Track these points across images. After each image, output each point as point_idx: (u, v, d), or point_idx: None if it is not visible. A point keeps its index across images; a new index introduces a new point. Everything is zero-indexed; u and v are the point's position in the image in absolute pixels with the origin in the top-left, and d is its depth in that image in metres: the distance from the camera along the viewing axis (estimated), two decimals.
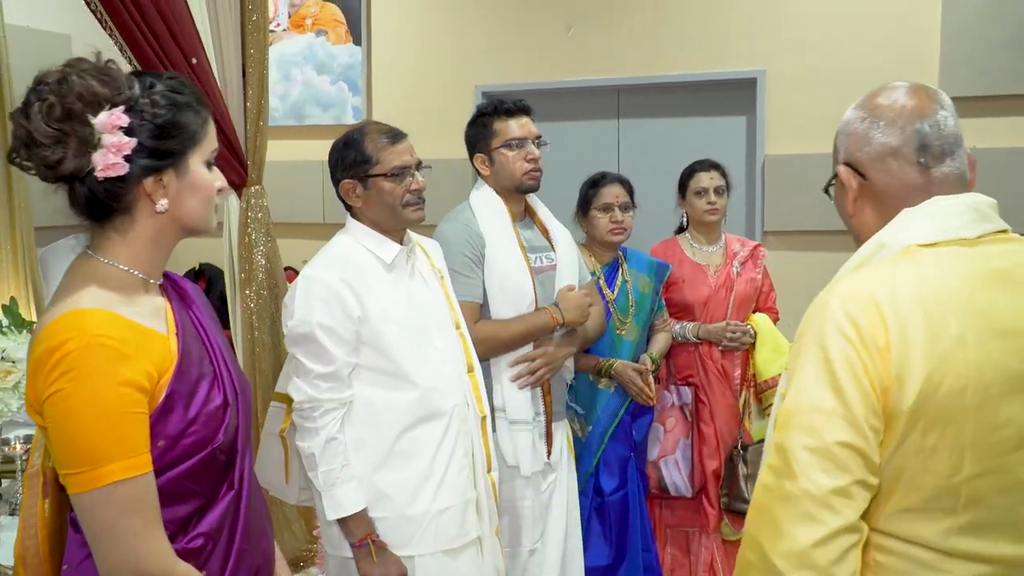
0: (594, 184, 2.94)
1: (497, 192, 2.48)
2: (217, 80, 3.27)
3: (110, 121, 1.20)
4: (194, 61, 3.12)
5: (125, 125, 1.21)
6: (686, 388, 3.19)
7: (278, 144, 5.41)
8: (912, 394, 1.14)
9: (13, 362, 2.65)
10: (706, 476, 3.17)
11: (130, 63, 2.99)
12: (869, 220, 1.40)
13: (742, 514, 3.14)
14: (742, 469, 3.16)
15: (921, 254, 1.24)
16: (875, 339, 1.16)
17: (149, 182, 1.27)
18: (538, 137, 2.51)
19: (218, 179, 1.37)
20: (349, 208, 2.14)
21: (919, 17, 4.71)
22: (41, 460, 1.39)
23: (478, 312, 2.36)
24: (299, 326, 1.96)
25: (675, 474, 3.15)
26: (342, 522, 1.96)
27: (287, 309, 2.01)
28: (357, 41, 6.06)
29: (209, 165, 1.34)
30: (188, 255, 6.62)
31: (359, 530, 1.95)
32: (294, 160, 5.90)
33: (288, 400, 2.18)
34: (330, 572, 2.08)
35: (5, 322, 2.84)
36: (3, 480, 3.22)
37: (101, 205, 1.28)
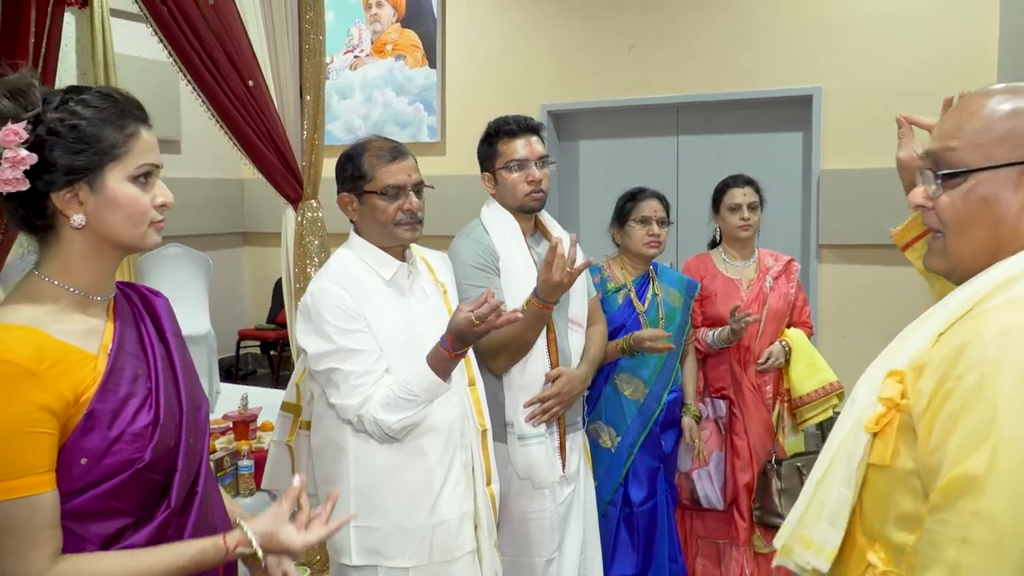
0: (632, 197, 2.80)
1: (506, 209, 2.35)
2: (275, 101, 3.26)
3: (5, 136, 1.14)
4: (250, 84, 3.11)
5: (23, 139, 1.14)
6: (720, 401, 3.01)
7: None
8: None
9: None
10: (738, 489, 2.98)
11: (190, 85, 3.00)
12: (984, 239, 1.08)
13: (774, 527, 2.94)
14: (775, 483, 2.95)
15: None
16: None
17: (59, 197, 1.18)
18: (542, 158, 2.33)
19: (160, 194, 1.24)
20: (353, 221, 2.04)
21: (976, 33, 4.37)
22: None
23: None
24: (321, 344, 1.84)
25: (707, 486, 2.97)
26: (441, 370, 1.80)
27: (304, 331, 1.88)
28: (433, 64, 6.04)
29: (140, 180, 1.22)
30: (279, 263, 6.74)
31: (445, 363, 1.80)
32: None
33: (296, 410, 2.11)
34: None
35: None
36: None
37: (26, 221, 1.22)
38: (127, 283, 1.36)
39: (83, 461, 1.15)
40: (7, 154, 1.14)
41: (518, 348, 2.22)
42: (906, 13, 4.59)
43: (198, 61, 2.95)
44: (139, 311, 1.33)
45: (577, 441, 2.44)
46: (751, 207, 2.99)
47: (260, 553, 1.28)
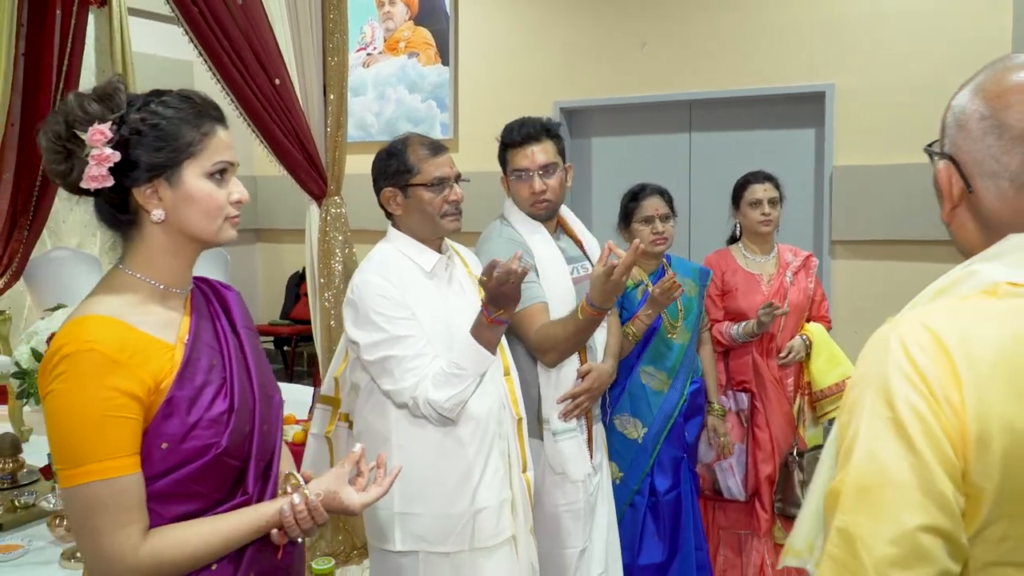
0: (634, 197, 2.83)
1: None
2: (300, 99, 3.30)
3: (93, 136, 1.21)
4: (277, 82, 3.15)
5: (108, 138, 1.22)
6: (742, 394, 3.05)
7: (371, 158, 5.45)
8: (997, 471, 0.83)
9: None
10: (760, 481, 3.02)
11: (218, 83, 3.04)
12: (972, 235, 1.02)
13: (794, 519, 2.98)
14: (797, 475, 3.00)
15: (1015, 295, 0.90)
16: (948, 394, 0.84)
17: (140, 193, 1.26)
18: (545, 167, 2.33)
19: (236, 191, 1.32)
20: (390, 217, 2.09)
21: (989, 28, 4.40)
22: None
23: (547, 311, 2.27)
24: (372, 334, 1.88)
25: (730, 478, 3.02)
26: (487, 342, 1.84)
27: (353, 323, 1.92)
28: (445, 62, 6.08)
29: (215, 177, 1.29)
30: (294, 259, 6.80)
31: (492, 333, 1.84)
32: None
33: (334, 402, 2.15)
34: (374, 566, 2.05)
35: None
36: None
37: (111, 216, 1.29)
38: (202, 278, 1.43)
39: (163, 446, 1.21)
40: (94, 152, 1.21)
41: (569, 348, 2.25)
42: (919, 8, 4.62)
43: (227, 60, 2.99)
44: (214, 305, 1.40)
45: (600, 433, 2.51)
46: (772, 202, 3.03)
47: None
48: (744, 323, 2.96)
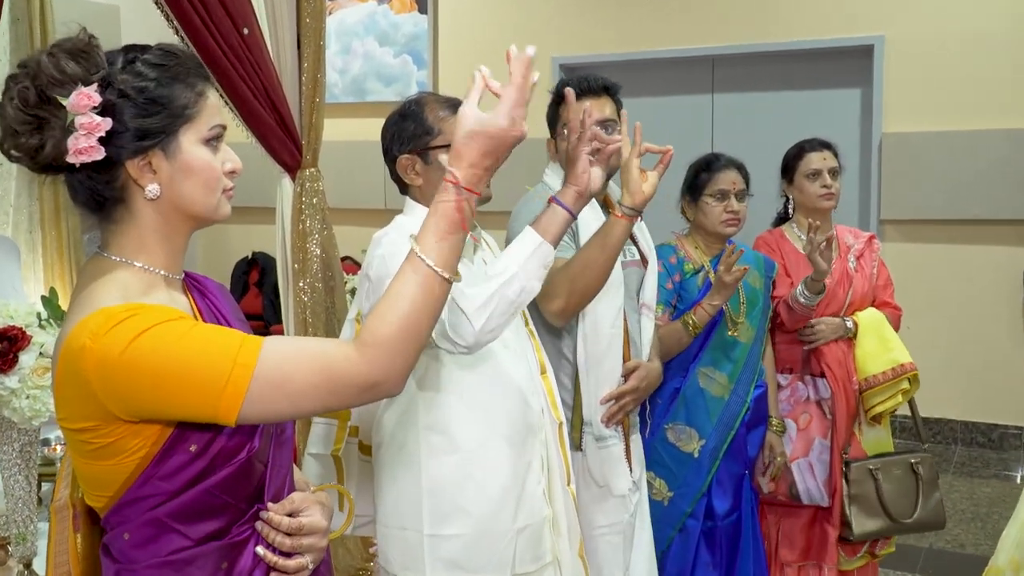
0: (707, 167, 2.83)
1: None
2: (271, 53, 3.25)
3: (79, 101, 1.19)
4: (245, 32, 3.09)
5: (97, 104, 1.20)
6: (824, 381, 3.00)
7: (336, 123, 5.44)
8: None
9: (50, 358, 2.68)
10: (838, 485, 2.97)
11: (177, 34, 2.99)
12: None
13: (844, 540, 3.01)
14: (843, 487, 3.00)
15: None
16: None
17: (133, 165, 1.25)
18: (605, 122, 2.39)
19: (229, 160, 1.32)
20: (404, 189, 2.09)
21: None
22: (69, 492, 1.38)
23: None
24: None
25: (809, 479, 2.97)
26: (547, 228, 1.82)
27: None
28: (423, 9, 6.04)
29: (212, 144, 1.29)
30: (241, 243, 6.73)
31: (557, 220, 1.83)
32: (353, 140, 5.92)
33: (341, 414, 2.14)
34: None
35: (44, 314, 2.86)
36: (43, 483, 3.28)
37: (95, 195, 1.27)
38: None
39: (192, 448, 1.22)
40: (81, 120, 1.19)
41: (589, 282, 2.18)
42: None
43: (188, 6, 2.94)
44: (208, 298, 1.41)
45: (637, 446, 2.52)
46: (832, 172, 3.04)
47: None
48: (801, 283, 2.92)
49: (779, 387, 3.05)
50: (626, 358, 2.39)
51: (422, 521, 1.93)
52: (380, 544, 2.06)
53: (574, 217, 1.86)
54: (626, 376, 2.37)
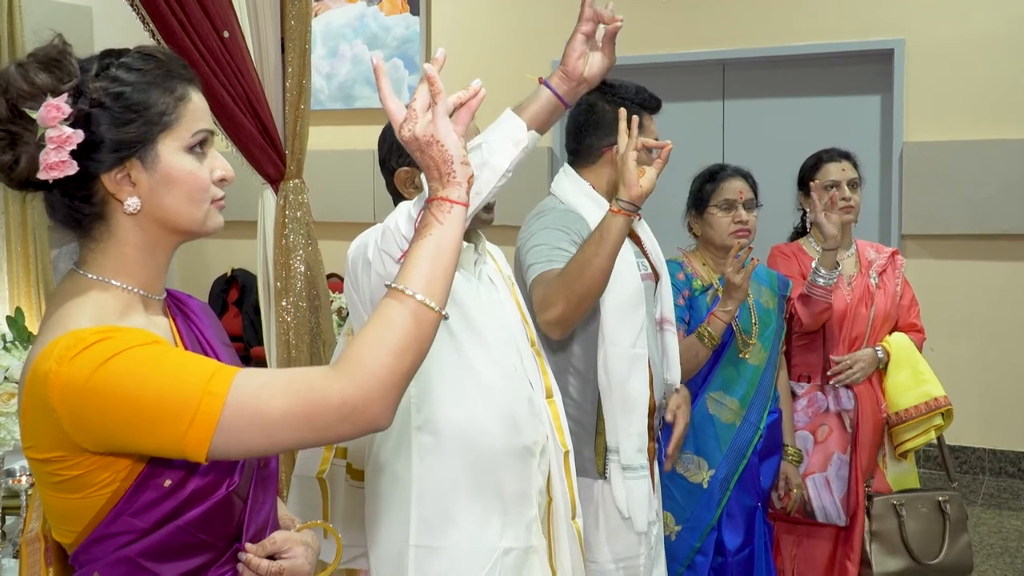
0: (712, 177, 2.84)
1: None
2: (253, 57, 3.26)
3: (47, 113, 1.18)
4: (226, 35, 3.09)
5: (67, 115, 1.19)
6: (847, 392, 3.02)
7: (322, 131, 5.44)
8: None
9: (16, 383, 2.67)
10: (859, 503, 2.97)
11: (153, 36, 3.00)
12: None
13: None
14: (865, 523, 2.99)
15: None
16: None
17: (110, 179, 1.24)
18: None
19: (218, 167, 1.31)
20: (399, 202, 2.09)
21: None
22: (40, 524, 1.36)
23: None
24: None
25: (825, 496, 2.97)
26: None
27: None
28: (414, 11, 6.07)
29: (196, 151, 1.28)
30: (219, 260, 6.72)
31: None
32: (340, 150, 5.92)
33: None
34: None
35: (9, 336, 2.86)
36: (7, 517, 3.26)
37: (73, 213, 1.27)
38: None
39: (167, 483, 1.21)
40: (50, 134, 1.19)
41: (587, 287, 2.13)
42: None
43: (164, 7, 2.95)
44: (191, 320, 1.41)
45: (656, 474, 2.52)
46: (852, 184, 3.06)
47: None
48: (814, 264, 2.92)
49: (795, 396, 3.05)
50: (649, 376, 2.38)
51: (409, 530, 1.93)
52: (373, 570, 2.05)
53: (560, 100, 1.76)
54: (669, 419, 2.50)
